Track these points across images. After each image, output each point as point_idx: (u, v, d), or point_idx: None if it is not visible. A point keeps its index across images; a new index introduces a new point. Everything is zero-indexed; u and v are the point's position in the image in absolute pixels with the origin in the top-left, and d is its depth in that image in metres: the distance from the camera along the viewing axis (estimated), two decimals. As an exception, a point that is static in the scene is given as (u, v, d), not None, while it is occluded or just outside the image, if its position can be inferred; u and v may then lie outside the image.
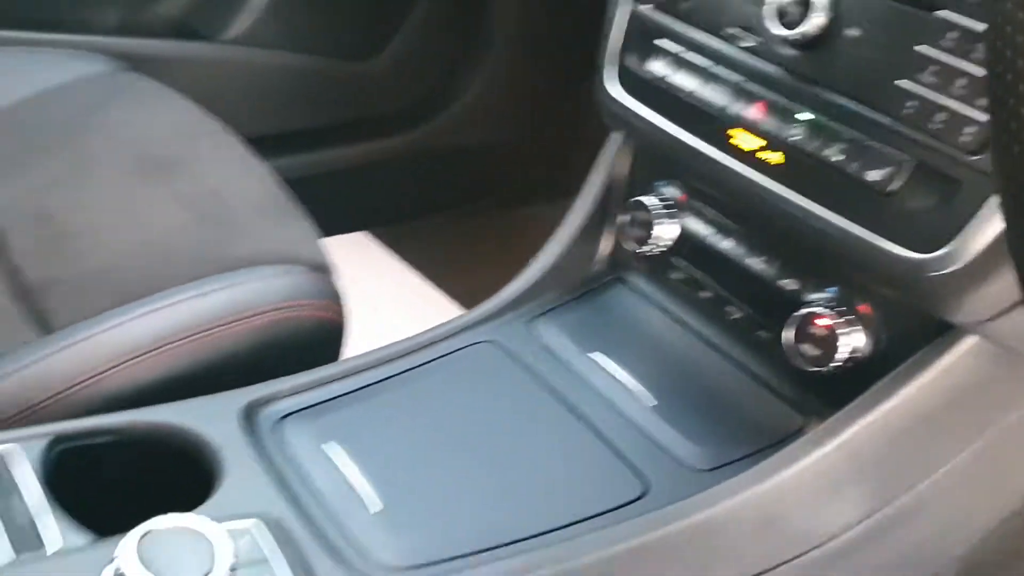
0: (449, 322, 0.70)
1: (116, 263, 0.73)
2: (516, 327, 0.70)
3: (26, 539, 0.47)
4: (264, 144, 0.98)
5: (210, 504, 0.51)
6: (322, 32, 1.29)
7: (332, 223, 1.36)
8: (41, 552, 0.47)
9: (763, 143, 0.60)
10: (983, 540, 0.69)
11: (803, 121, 0.58)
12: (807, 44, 0.57)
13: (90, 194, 0.81)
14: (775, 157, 0.59)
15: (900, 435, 0.58)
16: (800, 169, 0.58)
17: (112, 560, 0.44)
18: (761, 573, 0.59)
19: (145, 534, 0.44)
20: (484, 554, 0.53)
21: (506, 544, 0.54)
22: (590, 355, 0.68)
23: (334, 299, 0.73)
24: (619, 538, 0.55)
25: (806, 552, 0.60)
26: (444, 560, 0.52)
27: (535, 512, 0.56)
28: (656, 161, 0.72)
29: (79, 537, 0.48)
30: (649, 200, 0.70)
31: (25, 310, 0.71)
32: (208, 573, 0.44)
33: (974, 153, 0.51)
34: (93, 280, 0.72)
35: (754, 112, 0.60)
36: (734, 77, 0.62)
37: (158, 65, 1.10)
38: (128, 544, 0.44)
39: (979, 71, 0.51)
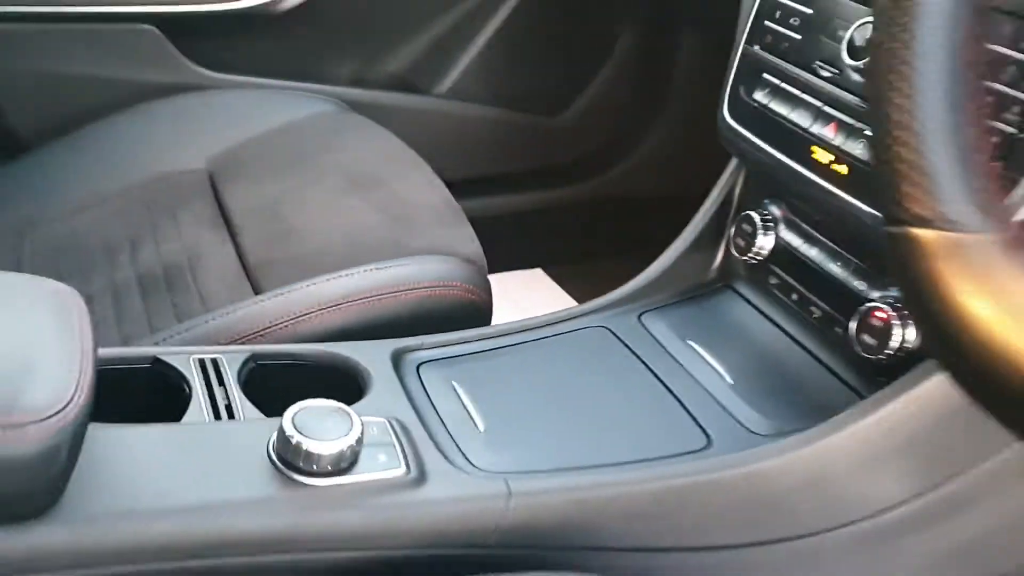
0: (569, 308, 0.83)
1: (319, 250, 0.92)
2: (627, 318, 0.82)
3: (229, 414, 0.65)
4: (459, 186, 1.17)
5: (353, 407, 0.66)
6: (517, 90, 1.48)
7: (512, 259, 1.55)
8: (234, 421, 0.64)
9: (833, 157, 0.70)
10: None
11: (865, 137, 0.68)
12: (871, 73, 0.67)
13: (309, 201, 1.01)
14: (842, 169, 0.69)
15: (943, 416, 0.65)
16: (862, 178, 0.68)
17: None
18: (811, 534, 0.68)
19: (301, 409, 0.61)
20: (562, 471, 0.65)
21: (583, 468, 0.66)
22: (686, 342, 0.79)
23: (480, 285, 0.88)
24: (678, 475, 0.65)
25: (855, 522, 0.68)
26: (527, 472, 0.65)
27: (611, 448, 0.67)
28: (763, 181, 0.83)
29: (258, 415, 0.65)
30: (754, 215, 0.81)
31: (247, 281, 0.91)
32: (342, 437, 0.59)
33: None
34: (300, 261, 0.91)
35: (828, 131, 0.71)
36: (816, 103, 0.72)
37: (377, 110, 1.32)
38: (288, 414, 0.60)
39: (1007, 90, 0.59)
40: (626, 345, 0.79)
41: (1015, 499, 0.71)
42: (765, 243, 0.80)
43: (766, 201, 0.82)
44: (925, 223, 0.36)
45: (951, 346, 0.35)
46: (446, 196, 1.02)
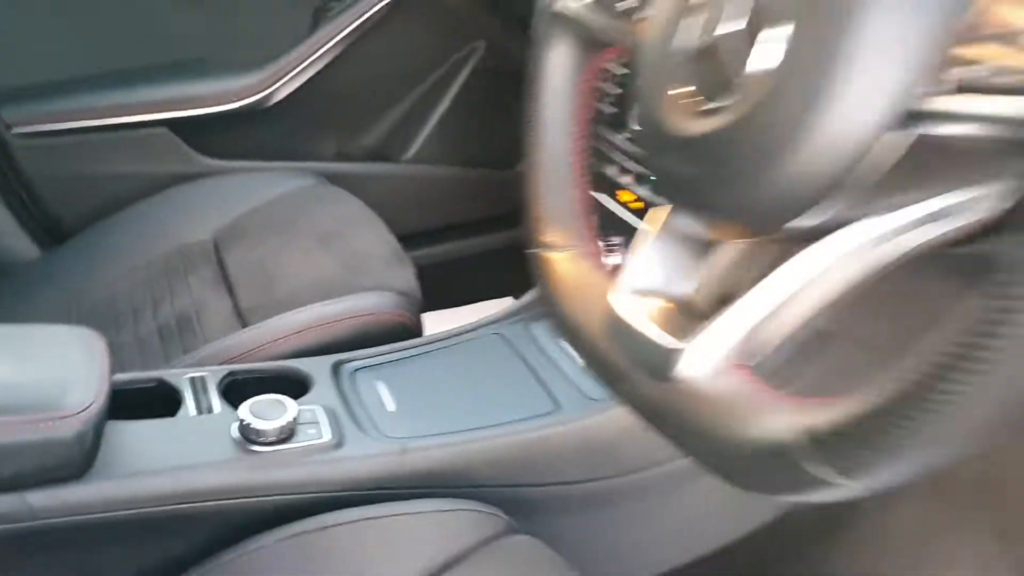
0: (476, 321, 1.09)
1: (290, 292, 1.20)
2: (517, 326, 1.08)
3: (209, 411, 0.92)
4: (429, 235, 1.42)
5: (297, 400, 0.92)
6: (473, 149, 1.75)
7: (485, 291, 1.81)
8: (212, 414, 0.91)
9: (633, 197, 0.96)
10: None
11: (650, 181, 0.93)
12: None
13: (286, 257, 1.29)
14: (638, 204, 0.95)
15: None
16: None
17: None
18: (632, 472, 0.92)
19: (255, 401, 0.87)
20: (447, 434, 0.91)
21: (464, 431, 0.91)
22: (557, 340, 1.04)
23: (410, 311, 1.15)
24: (531, 430, 0.91)
25: (663, 463, 0.92)
26: (420, 436, 0.90)
27: (486, 415, 0.93)
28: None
29: (231, 410, 0.92)
30: (600, 242, 1.07)
31: (239, 321, 1.19)
32: (281, 417, 0.85)
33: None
34: (276, 302, 1.18)
35: (628, 180, 0.96)
36: (619, 159, 0.98)
37: (354, 180, 1.60)
38: (246, 404, 0.87)
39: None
40: (512, 346, 1.04)
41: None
42: (613, 262, 1.05)
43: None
44: (544, 247, 0.62)
45: (555, 315, 0.60)
46: (393, 245, 1.29)
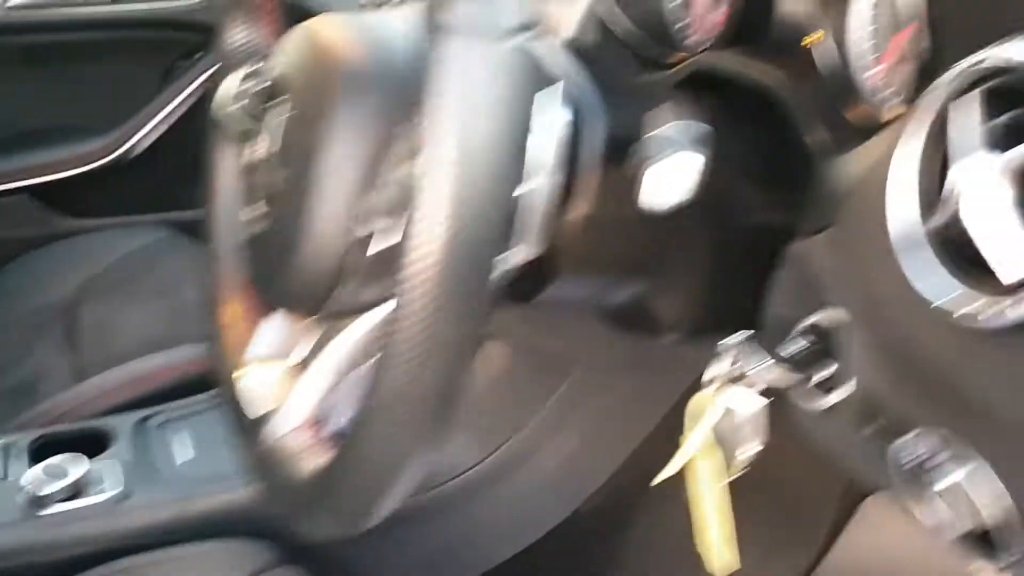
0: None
1: (124, 348, 1.27)
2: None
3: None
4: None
5: (95, 458, 0.99)
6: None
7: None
8: (10, 479, 0.98)
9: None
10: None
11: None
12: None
13: (127, 313, 1.36)
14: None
15: (491, 388, 0.96)
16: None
17: (40, 476, 0.94)
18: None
19: (47, 464, 0.94)
20: (234, 477, 0.98)
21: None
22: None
23: (229, 358, 1.23)
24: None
25: (442, 483, 1.00)
26: (211, 479, 0.98)
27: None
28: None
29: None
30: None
31: (76, 375, 1.26)
32: (65, 478, 0.93)
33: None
34: (108, 358, 1.26)
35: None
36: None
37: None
38: (37, 468, 0.94)
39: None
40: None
41: (562, 449, 1.03)
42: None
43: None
44: (219, 319, 0.70)
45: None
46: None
